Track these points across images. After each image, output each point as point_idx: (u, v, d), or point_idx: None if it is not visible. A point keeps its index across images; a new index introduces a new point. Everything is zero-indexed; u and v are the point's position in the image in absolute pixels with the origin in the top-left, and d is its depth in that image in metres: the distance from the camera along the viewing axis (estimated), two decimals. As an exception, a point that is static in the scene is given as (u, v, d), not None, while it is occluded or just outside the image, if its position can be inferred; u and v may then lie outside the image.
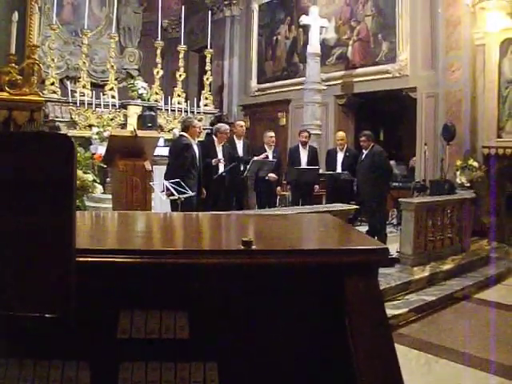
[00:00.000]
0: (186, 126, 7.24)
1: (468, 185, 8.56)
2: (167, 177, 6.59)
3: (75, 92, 10.96)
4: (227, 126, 8.19)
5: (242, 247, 1.20)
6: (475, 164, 8.59)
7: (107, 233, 1.59)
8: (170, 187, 6.13)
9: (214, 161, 7.73)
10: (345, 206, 6.27)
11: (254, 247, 1.21)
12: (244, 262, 1.19)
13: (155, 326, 1.17)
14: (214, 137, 7.97)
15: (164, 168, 7.27)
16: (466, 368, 4.16)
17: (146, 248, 1.25)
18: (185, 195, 6.24)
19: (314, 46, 10.72)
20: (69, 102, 10.84)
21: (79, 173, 5.12)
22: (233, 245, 1.26)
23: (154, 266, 1.16)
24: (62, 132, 9.51)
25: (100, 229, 1.62)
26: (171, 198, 6.27)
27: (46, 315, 1.00)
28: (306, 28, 11.21)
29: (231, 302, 1.21)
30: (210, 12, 13.36)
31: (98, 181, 5.74)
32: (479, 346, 4.58)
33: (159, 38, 12.20)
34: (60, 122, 10.72)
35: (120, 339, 1.16)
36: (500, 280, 6.87)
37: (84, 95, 10.90)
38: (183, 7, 12.95)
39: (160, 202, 7.40)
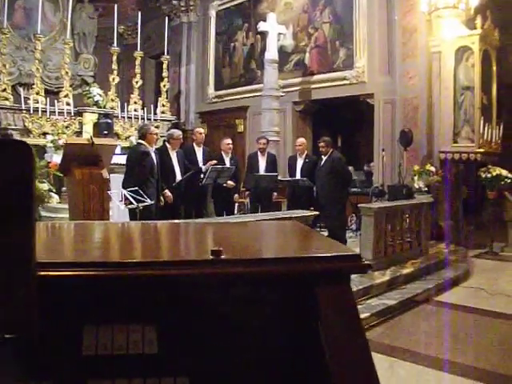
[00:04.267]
0: (143, 134, 7.12)
1: (425, 189, 8.70)
2: (125, 185, 6.46)
3: (28, 99, 10.73)
4: (180, 132, 8.11)
5: (211, 257, 1.16)
6: (432, 169, 8.73)
7: (68, 244, 1.52)
8: (129, 196, 6.02)
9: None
10: (305, 213, 6.27)
11: (223, 256, 1.16)
12: (213, 272, 1.15)
13: (122, 342, 1.11)
14: (167, 144, 7.88)
15: (121, 176, 7.14)
16: (429, 370, 4.20)
17: (111, 260, 1.19)
18: (143, 204, 6.14)
19: (271, 53, 10.72)
20: (22, 110, 10.62)
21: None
22: (201, 255, 1.21)
23: (119, 279, 1.11)
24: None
25: (60, 240, 1.55)
26: (130, 206, 6.16)
27: (6, 336, 0.94)
28: (263, 34, 11.21)
29: (201, 313, 1.16)
30: (167, 18, 13.30)
31: (54, 190, 5.61)
32: (441, 348, 4.63)
33: (115, 44, 12.05)
34: (13, 129, 10.44)
35: (85, 356, 1.10)
36: (458, 282, 6.98)
37: (38, 102, 10.69)
38: (140, 13, 12.84)
39: (118, 211, 7.28)
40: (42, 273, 1.03)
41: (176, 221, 3.93)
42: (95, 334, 1.11)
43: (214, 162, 8.13)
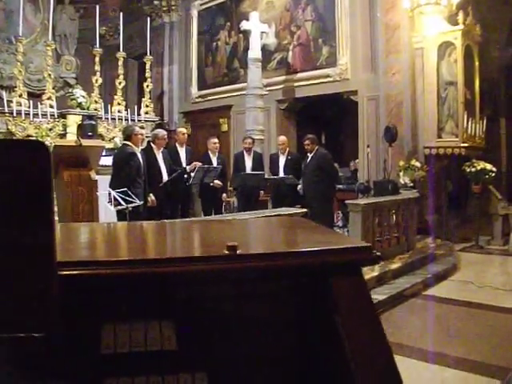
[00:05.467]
0: (129, 135, 7.08)
1: (411, 185, 8.75)
2: (112, 186, 6.42)
3: (11, 102, 10.60)
4: (164, 132, 8.09)
5: (227, 252, 1.17)
6: (417, 164, 8.79)
7: (84, 243, 1.52)
8: (118, 197, 5.99)
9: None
10: (293, 210, 6.28)
11: (239, 252, 1.17)
12: (230, 267, 1.16)
13: (140, 339, 1.12)
14: (152, 144, 7.86)
15: (106, 178, 7.08)
16: (421, 363, 4.23)
17: (128, 258, 1.20)
18: (132, 204, 6.11)
19: (255, 52, 10.70)
20: (4, 112, 10.47)
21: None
22: (216, 250, 1.22)
23: (137, 276, 1.11)
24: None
25: (75, 239, 1.55)
26: (119, 207, 6.13)
27: (35, 334, 0.94)
28: (246, 33, 11.18)
29: (218, 309, 1.17)
30: (148, 18, 13.20)
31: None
32: (432, 341, 4.67)
33: (97, 45, 11.95)
34: (-4, 133, 10.34)
35: (104, 354, 1.10)
36: (446, 276, 7.04)
37: (21, 105, 10.55)
38: (121, 13, 12.73)
39: (105, 213, 7.22)
40: (62, 272, 1.04)
41: (182, 220, 3.93)
42: (113, 332, 1.12)
43: (199, 163, 8.11)
